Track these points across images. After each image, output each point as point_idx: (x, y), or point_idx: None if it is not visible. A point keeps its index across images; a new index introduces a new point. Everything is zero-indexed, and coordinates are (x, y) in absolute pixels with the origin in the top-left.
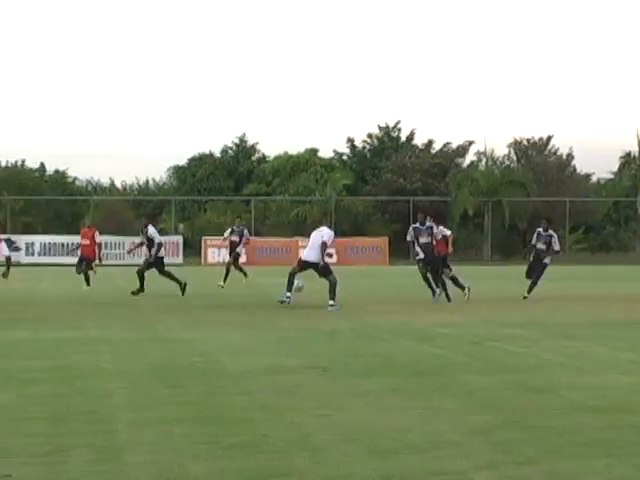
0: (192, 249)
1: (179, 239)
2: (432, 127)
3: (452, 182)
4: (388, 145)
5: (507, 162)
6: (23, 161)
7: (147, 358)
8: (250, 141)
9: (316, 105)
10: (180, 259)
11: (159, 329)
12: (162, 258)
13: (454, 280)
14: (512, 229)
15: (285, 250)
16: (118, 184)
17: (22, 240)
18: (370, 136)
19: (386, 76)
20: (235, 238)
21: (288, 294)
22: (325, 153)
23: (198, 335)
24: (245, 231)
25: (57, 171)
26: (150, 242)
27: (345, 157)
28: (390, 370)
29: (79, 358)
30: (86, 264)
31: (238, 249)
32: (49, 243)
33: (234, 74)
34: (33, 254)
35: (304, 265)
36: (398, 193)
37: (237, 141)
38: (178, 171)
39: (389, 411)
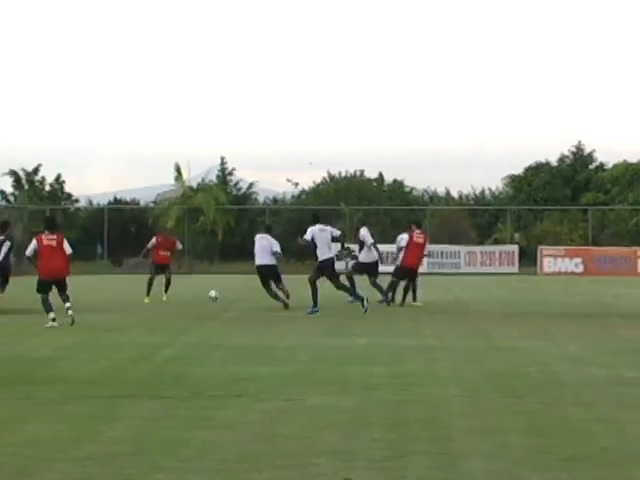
0: (528, 258)
1: (515, 249)
2: None
3: None
4: None
5: None
6: (362, 171)
7: (483, 366)
8: (587, 149)
9: None
10: (515, 268)
11: (495, 337)
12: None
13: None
14: None
15: (624, 260)
16: (454, 193)
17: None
18: None
19: None
20: None
21: None
22: None
23: (535, 344)
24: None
25: (395, 181)
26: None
27: None
28: None
29: (416, 365)
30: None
31: None
32: (387, 253)
33: (558, 82)
34: None
35: None
36: None
37: (574, 149)
38: (514, 180)
39: None
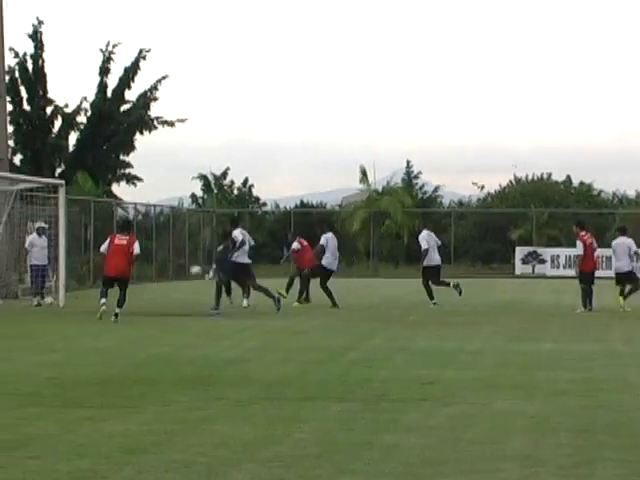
0: None
1: None
2: None
3: None
4: None
5: None
6: (549, 174)
7: None
8: None
9: None
10: None
11: None
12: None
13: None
14: None
15: None
16: None
17: (547, 253)
18: None
19: None
20: None
21: None
22: None
23: None
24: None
25: (582, 183)
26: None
27: None
28: None
29: (604, 371)
30: None
31: None
32: (574, 256)
33: None
34: (558, 267)
35: None
36: None
37: None
38: None
39: None
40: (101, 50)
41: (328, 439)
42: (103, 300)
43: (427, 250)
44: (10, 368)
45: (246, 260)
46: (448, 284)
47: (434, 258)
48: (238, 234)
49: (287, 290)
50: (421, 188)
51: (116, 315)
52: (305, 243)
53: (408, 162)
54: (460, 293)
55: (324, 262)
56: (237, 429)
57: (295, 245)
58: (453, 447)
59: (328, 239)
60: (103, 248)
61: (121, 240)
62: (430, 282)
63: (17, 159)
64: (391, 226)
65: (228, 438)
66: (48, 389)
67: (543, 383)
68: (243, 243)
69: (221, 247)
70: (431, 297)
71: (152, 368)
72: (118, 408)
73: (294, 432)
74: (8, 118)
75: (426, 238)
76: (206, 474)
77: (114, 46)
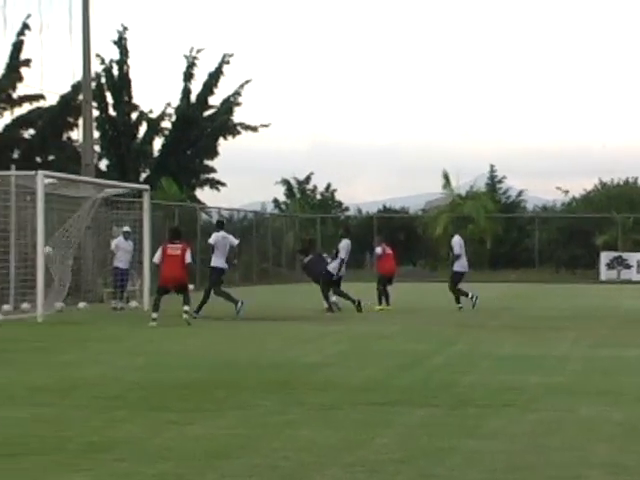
0: None
1: None
2: None
3: None
4: None
5: None
6: (636, 178)
7: None
8: None
9: None
10: None
11: None
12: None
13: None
14: None
15: None
16: None
17: (633, 258)
18: None
19: None
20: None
21: None
22: None
23: None
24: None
25: None
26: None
27: None
28: None
29: None
30: None
31: None
32: None
33: None
34: None
35: None
36: None
37: None
38: None
39: None
40: (185, 56)
41: (411, 444)
42: (154, 315)
43: (460, 255)
44: (98, 371)
45: (220, 264)
46: (466, 294)
47: (464, 264)
48: (212, 238)
49: (380, 301)
50: (505, 193)
51: (186, 312)
52: (388, 250)
53: (492, 166)
54: (474, 306)
55: (330, 267)
56: (320, 433)
57: (378, 250)
58: (537, 454)
59: (344, 246)
60: (156, 259)
61: (174, 250)
62: (455, 287)
63: (103, 164)
64: (474, 231)
65: (311, 442)
66: (134, 392)
67: (630, 389)
68: (213, 248)
69: (309, 257)
70: (459, 301)
71: (235, 372)
72: (202, 412)
73: (377, 437)
74: (94, 124)
75: (459, 243)
76: (288, 478)
77: (198, 52)
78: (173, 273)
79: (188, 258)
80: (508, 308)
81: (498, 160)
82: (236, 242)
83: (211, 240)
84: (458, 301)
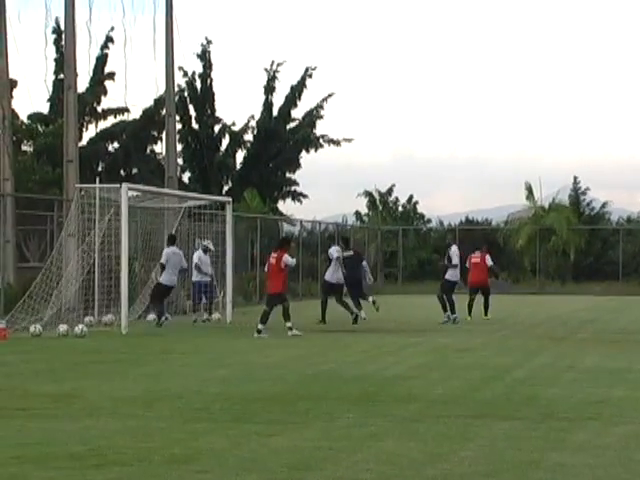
0: None
1: None
2: None
3: None
4: None
5: None
6: None
7: None
8: None
9: None
10: None
11: None
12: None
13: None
14: None
15: None
16: None
17: None
18: None
19: None
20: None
21: None
22: None
23: None
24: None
25: None
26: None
27: None
28: None
29: None
30: None
31: None
32: None
33: None
34: None
35: None
36: None
37: None
38: None
39: None
40: (265, 69)
41: (495, 457)
42: (260, 326)
43: (457, 266)
44: (181, 383)
45: (168, 282)
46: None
47: (457, 274)
48: (163, 256)
49: (470, 310)
50: (588, 204)
51: (290, 328)
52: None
53: (575, 178)
54: (446, 323)
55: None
56: (403, 446)
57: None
58: (624, 467)
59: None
60: (267, 269)
61: (272, 258)
62: (443, 296)
63: (185, 177)
64: (557, 243)
65: (394, 455)
66: (217, 404)
67: None
68: (163, 265)
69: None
70: (445, 310)
71: (318, 384)
72: (284, 424)
73: (460, 450)
74: (177, 136)
75: (457, 253)
76: None
77: (278, 65)
78: (271, 282)
79: (286, 261)
80: (591, 321)
81: (582, 172)
82: (189, 264)
83: (162, 259)
84: (446, 310)
